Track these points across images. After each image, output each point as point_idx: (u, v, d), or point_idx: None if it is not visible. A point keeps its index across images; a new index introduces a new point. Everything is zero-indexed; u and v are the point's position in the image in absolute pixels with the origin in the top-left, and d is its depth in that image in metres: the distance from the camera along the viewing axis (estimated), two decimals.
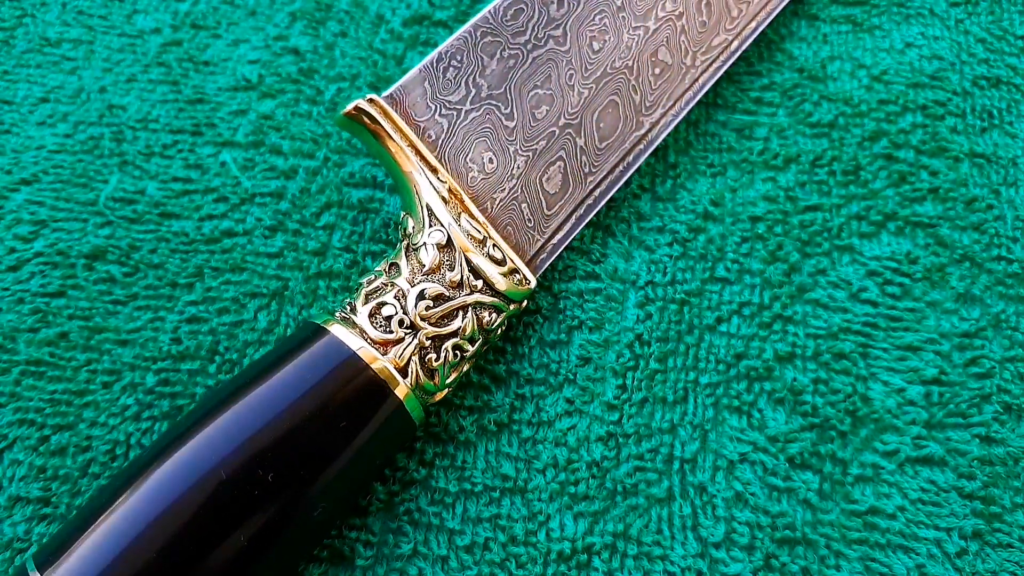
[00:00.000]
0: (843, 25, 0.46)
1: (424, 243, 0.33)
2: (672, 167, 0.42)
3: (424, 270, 0.32)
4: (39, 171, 0.42)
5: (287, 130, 0.43)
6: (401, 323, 0.32)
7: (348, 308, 0.32)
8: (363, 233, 0.40)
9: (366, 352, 0.31)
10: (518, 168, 0.36)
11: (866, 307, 0.38)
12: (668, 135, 0.43)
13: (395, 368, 0.31)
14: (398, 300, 0.32)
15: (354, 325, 0.32)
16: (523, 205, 0.36)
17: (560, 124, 0.37)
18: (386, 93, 0.35)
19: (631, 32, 0.39)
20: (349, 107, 0.34)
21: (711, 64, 0.41)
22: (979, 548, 0.34)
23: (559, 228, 0.37)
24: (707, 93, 0.44)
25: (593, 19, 0.38)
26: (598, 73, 0.38)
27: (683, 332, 0.38)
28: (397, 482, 0.35)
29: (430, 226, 0.33)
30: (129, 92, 0.44)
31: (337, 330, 0.31)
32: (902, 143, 0.42)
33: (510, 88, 0.36)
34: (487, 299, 0.33)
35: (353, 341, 0.31)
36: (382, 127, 0.34)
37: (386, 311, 0.32)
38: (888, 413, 0.36)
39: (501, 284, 0.33)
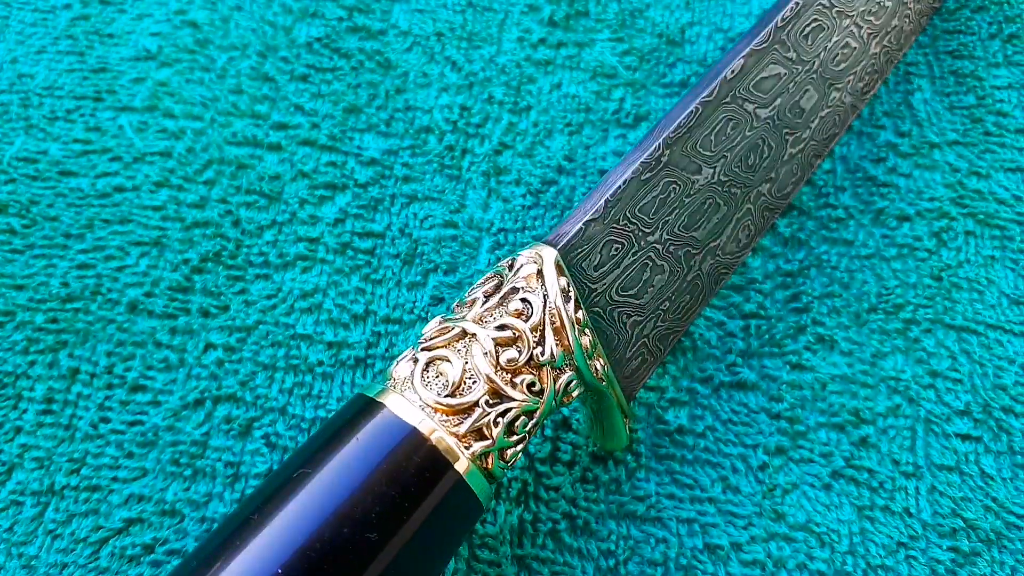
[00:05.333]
0: None
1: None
2: (534, 125, 0.45)
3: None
4: None
5: (180, 95, 0.46)
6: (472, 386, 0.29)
7: (410, 372, 0.30)
8: (240, 187, 0.43)
9: (426, 425, 0.28)
10: None
11: None
12: (532, 97, 0.46)
13: (456, 441, 0.28)
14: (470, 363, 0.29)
15: (411, 390, 0.29)
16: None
17: None
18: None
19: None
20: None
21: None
22: (782, 463, 0.37)
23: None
24: (572, 59, 0.47)
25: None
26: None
27: None
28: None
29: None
30: (39, 62, 0.48)
31: (394, 402, 0.29)
32: None
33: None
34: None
35: (412, 414, 0.29)
36: None
37: (451, 373, 0.29)
38: (707, 344, 0.39)
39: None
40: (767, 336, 0.39)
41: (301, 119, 0.45)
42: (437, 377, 0.29)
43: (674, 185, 0.35)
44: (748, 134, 0.36)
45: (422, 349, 0.30)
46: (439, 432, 0.28)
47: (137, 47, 0.48)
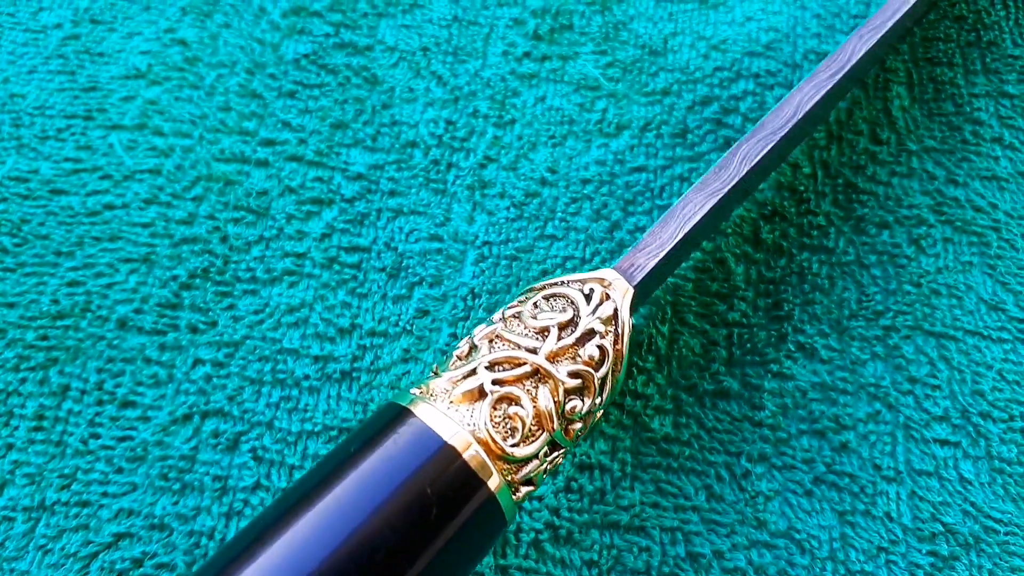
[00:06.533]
0: (689, 3, 0.50)
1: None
2: (518, 138, 0.46)
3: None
4: None
5: (169, 113, 0.47)
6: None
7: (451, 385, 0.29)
8: (228, 203, 0.44)
9: (461, 439, 0.27)
10: None
11: None
12: (516, 111, 0.46)
13: (491, 458, 0.27)
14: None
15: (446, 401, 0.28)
16: None
17: None
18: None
19: None
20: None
21: None
22: (765, 470, 0.37)
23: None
24: (557, 72, 0.48)
25: None
26: None
27: (511, 284, 0.41)
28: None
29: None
30: (30, 82, 0.48)
31: (425, 412, 0.28)
32: (732, 108, 0.46)
33: None
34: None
35: (446, 427, 0.27)
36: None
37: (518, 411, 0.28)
38: (691, 352, 0.39)
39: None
40: (749, 345, 0.39)
41: (288, 135, 0.46)
42: (505, 420, 0.28)
43: None
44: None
45: (493, 382, 0.28)
46: (474, 448, 0.27)
47: (127, 65, 0.49)
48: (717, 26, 0.48)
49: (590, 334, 0.29)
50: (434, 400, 0.28)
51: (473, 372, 0.28)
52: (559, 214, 0.43)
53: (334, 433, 0.38)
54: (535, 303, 0.30)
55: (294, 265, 0.42)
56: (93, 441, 0.38)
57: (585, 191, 0.44)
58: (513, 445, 0.27)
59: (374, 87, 0.48)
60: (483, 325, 0.30)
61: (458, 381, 0.28)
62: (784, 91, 0.46)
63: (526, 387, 0.28)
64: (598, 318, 0.29)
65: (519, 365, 0.28)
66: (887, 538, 0.35)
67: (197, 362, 0.40)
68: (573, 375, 0.28)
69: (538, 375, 0.28)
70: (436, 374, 0.30)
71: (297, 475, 0.38)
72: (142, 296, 0.41)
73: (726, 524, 0.36)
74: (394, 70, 0.48)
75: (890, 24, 0.37)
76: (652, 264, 0.31)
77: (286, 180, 0.45)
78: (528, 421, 0.28)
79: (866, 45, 0.37)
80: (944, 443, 0.37)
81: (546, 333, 0.29)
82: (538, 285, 0.31)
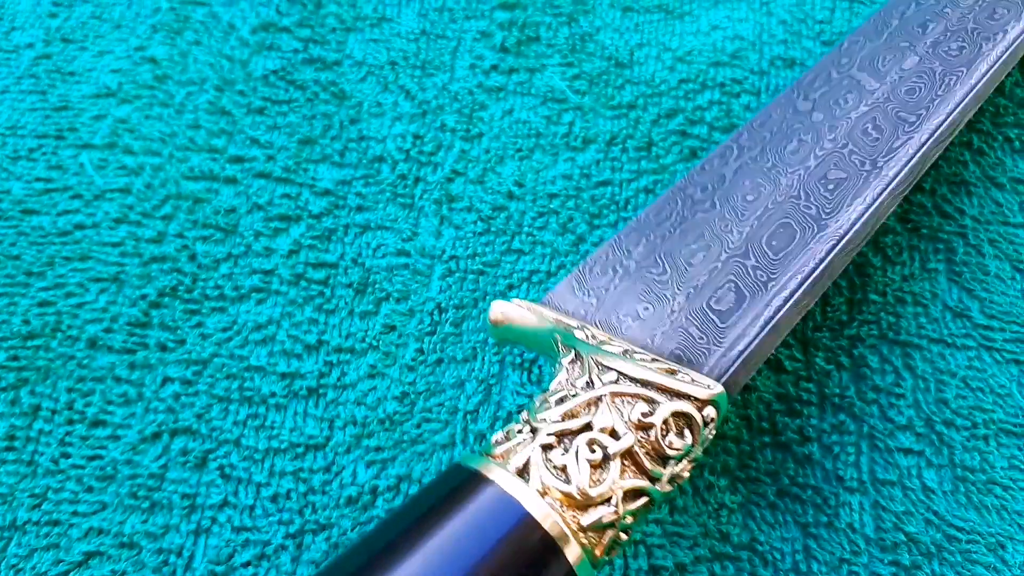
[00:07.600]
0: (655, 14, 0.50)
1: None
2: (485, 151, 0.46)
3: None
4: None
5: (139, 132, 0.47)
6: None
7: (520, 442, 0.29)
8: (196, 221, 0.44)
9: (539, 508, 0.27)
10: (678, 304, 0.35)
11: None
12: (484, 124, 0.47)
13: (569, 528, 0.27)
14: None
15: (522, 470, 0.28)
16: (690, 328, 0.35)
17: (722, 259, 0.36)
18: (541, 301, 0.36)
19: (788, 175, 0.38)
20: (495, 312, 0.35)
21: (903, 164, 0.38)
22: (728, 483, 0.37)
23: (742, 335, 0.34)
24: (524, 85, 0.48)
25: (743, 184, 0.38)
26: (759, 212, 0.37)
27: (478, 298, 0.42)
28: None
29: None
30: (2, 102, 0.49)
31: (501, 477, 0.28)
32: (697, 119, 0.46)
33: (658, 255, 0.36)
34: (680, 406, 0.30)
35: (524, 493, 0.27)
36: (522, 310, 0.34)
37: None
38: None
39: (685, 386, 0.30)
40: None
41: (257, 152, 0.46)
42: (617, 545, 0.29)
43: None
44: None
45: (626, 514, 0.28)
46: (553, 517, 0.27)
47: (98, 84, 0.49)
48: (683, 37, 0.48)
49: (694, 459, 0.31)
50: (563, 509, 0.27)
51: (608, 500, 0.28)
52: (526, 228, 0.43)
53: (300, 450, 0.39)
54: (665, 421, 0.29)
55: (262, 282, 0.42)
56: (63, 460, 0.39)
57: (552, 205, 0.44)
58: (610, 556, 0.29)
59: (342, 102, 0.48)
60: (624, 434, 0.29)
61: (590, 507, 0.28)
62: (751, 98, 0.46)
63: (644, 511, 0.29)
64: (702, 446, 0.31)
65: (643, 495, 0.29)
66: (849, 549, 0.35)
67: (166, 380, 0.40)
68: (670, 481, 0.30)
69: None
70: (569, 482, 0.28)
71: (265, 492, 0.38)
72: (112, 315, 0.42)
73: (689, 537, 0.36)
74: (362, 84, 0.48)
75: (979, 87, 0.39)
76: (745, 380, 0.33)
77: (254, 197, 0.45)
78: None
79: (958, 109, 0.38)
80: (908, 452, 0.37)
81: (671, 463, 0.29)
82: (661, 382, 0.30)
